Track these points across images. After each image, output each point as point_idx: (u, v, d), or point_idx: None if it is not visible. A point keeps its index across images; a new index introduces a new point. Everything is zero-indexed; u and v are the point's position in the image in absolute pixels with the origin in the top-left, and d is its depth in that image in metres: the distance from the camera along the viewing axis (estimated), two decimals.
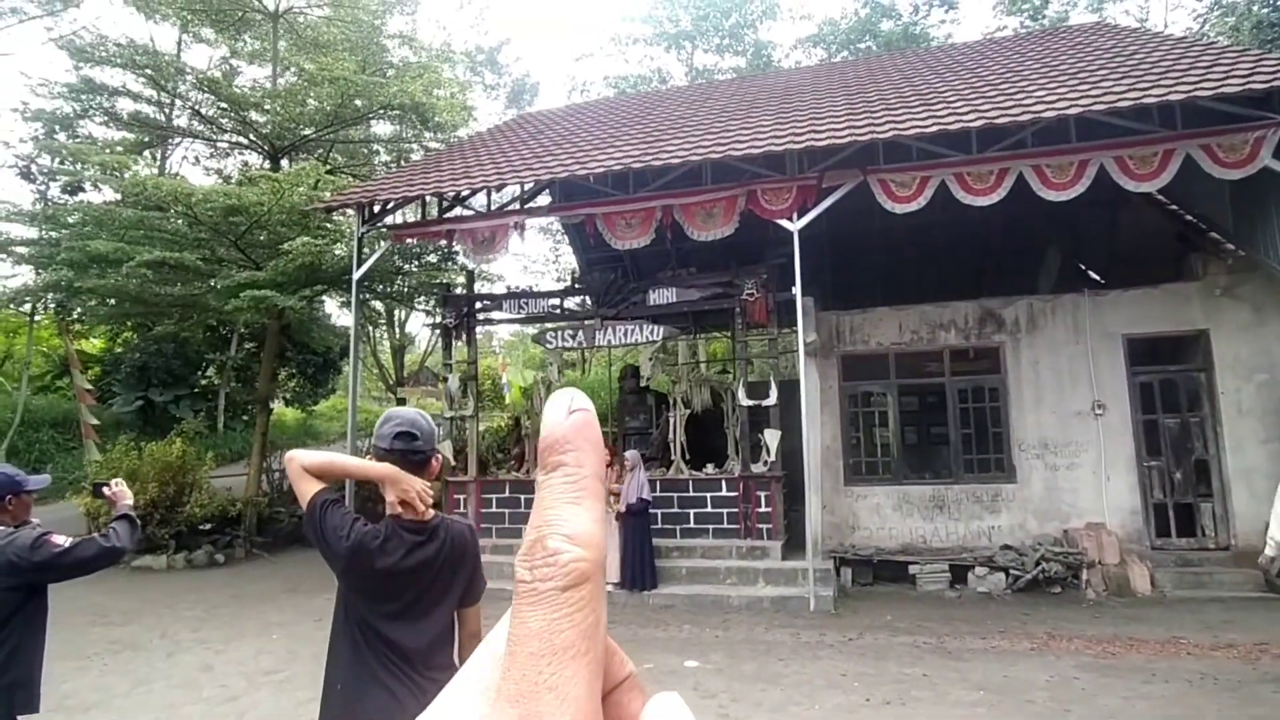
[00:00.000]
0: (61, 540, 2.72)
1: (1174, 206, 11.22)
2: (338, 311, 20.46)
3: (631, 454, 9.77)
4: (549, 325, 11.49)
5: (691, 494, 10.24)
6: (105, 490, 3.11)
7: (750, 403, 10.02)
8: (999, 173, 8.69)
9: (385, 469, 2.19)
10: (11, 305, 17.51)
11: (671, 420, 10.96)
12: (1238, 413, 9.64)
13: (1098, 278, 13.16)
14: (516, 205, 11.80)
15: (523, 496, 10.89)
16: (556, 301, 11.72)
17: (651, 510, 9.68)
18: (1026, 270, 13.59)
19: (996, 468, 10.41)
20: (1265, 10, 17.58)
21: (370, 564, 2.14)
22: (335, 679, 2.16)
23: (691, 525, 10.14)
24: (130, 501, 3.06)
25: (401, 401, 25.48)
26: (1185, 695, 5.56)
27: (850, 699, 5.57)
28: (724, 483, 10.16)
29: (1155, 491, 9.97)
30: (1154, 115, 8.29)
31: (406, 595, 2.19)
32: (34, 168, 19.12)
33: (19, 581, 2.65)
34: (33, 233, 15.16)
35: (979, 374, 10.67)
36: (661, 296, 10.84)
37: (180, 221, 13.46)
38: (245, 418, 21.19)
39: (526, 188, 11.68)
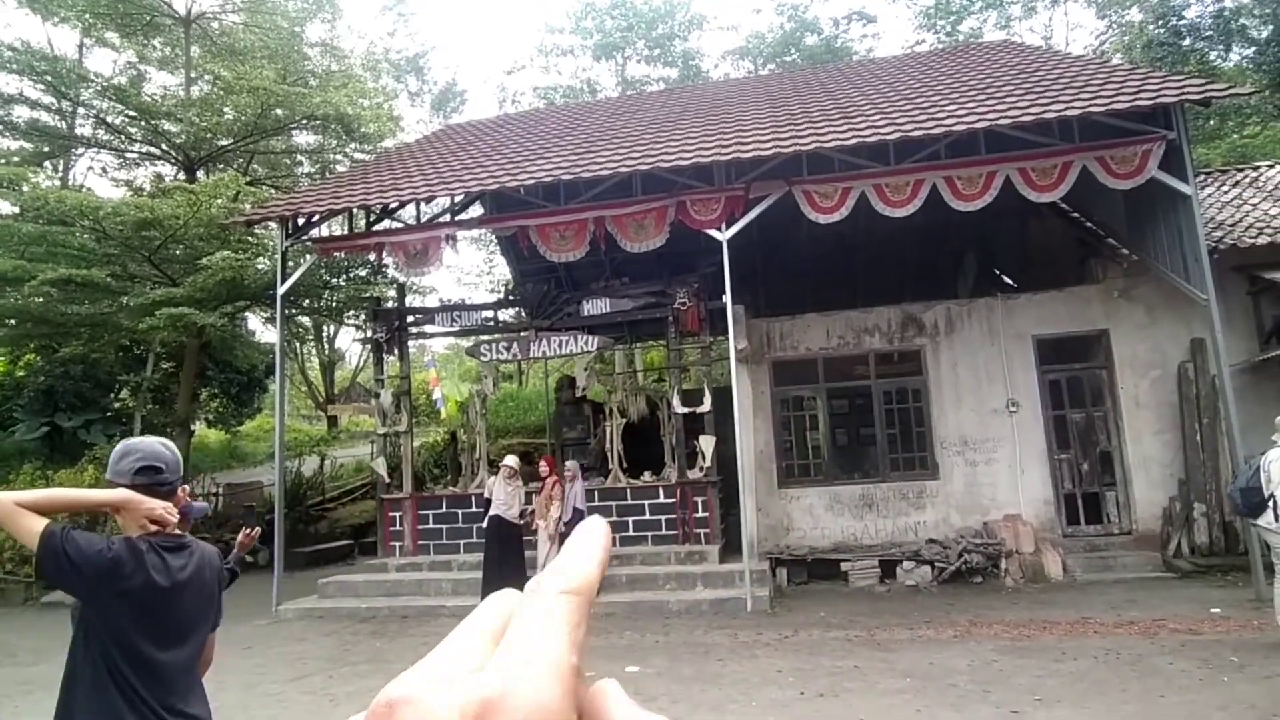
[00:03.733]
0: None
1: (1076, 215, 11.97)
2: (262, 328, 19.73)
3: (571, 464, 9.76)
4: (483, 338, 11.39)
5: (630, 502, 10.31)
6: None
7: (685, 410, 10.17)
8: (914, 184, 9.12)
9: (122, 494, 2.07)
10: None
11: (608, 430, 11.02)
12: (1135, 406, 10.34)
13: (1011, 282, 13.89)
14: (447, 217, 11.68)
15: (460, 512, 10.75)
16: (490, 314, 11.64)
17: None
18: (945, 276, 14.26)
19: (921, 465, 10.86)
20: (1159, 31, 18.87)
21: (139, 580, 2.03)
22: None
23: (630, 533, 10.21)
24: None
25: (333, 420, 24.70)
26: (1092, 670, 5.98)
27: (785, 694, 5.73)
28: (661, 490, 10.28)
29: (1065, 482, 10.59)
30: (1054, 129, 8.86)
31: (170, 614, 2.11)
32: None
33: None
34: None
35: (903, 376, 11.13)
36: (595, 307, 10.91)
37: (87, 236, 12.80)
38: None
39: (457, 199, 11.57)
